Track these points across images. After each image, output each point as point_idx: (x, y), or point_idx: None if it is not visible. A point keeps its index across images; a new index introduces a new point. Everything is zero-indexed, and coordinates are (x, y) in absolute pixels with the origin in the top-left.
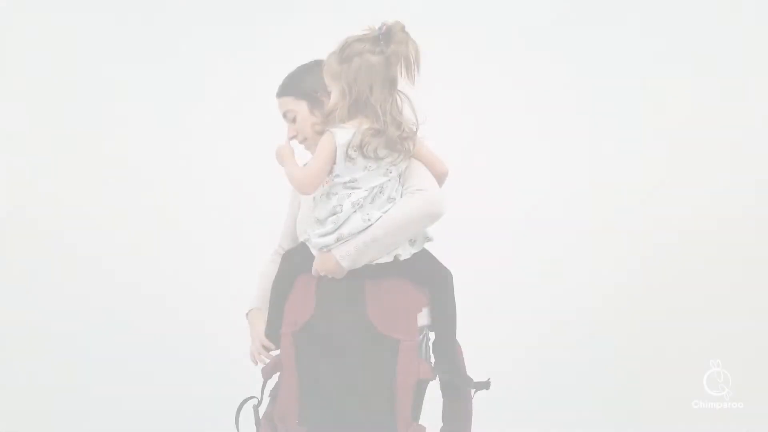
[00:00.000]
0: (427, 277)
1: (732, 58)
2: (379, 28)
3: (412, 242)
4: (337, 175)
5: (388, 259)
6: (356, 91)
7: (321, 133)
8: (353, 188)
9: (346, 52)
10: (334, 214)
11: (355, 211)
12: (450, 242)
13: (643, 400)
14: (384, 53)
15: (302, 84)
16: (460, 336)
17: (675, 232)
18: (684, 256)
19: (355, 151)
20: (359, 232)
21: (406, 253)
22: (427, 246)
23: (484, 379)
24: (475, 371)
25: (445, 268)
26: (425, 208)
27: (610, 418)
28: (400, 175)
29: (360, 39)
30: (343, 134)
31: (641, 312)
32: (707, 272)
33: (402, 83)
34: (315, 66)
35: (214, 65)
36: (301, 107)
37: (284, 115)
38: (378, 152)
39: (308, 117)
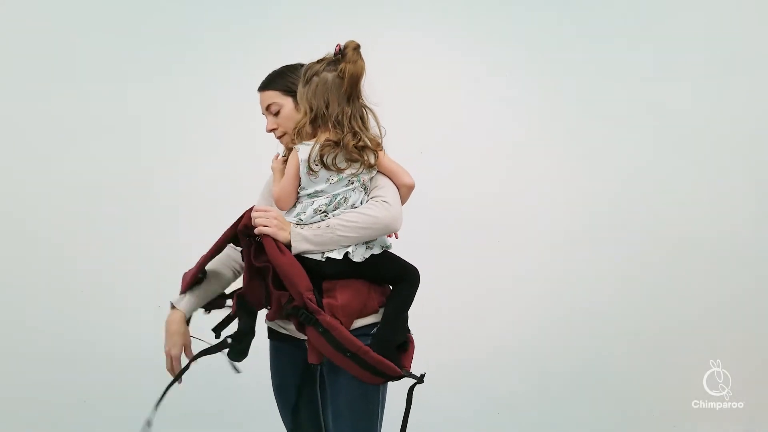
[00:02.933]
0: (389, 279)
1: (732, 58)
2: (336, 48)
3: (368, 246)
4: (303, 188)
5: (338, 256)
6: (315, 106)
7: (290, 149)
8: (316, 197)
9: (306, 74)
10: (298, 218)
11: (316, 215)
12: (450, 242)
13: (643, 400)
14: (336, 70)
15: (289, 81)
16: (461, 335)
17: (676, 233)
18: (684, 257)
19: (316, 164)
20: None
21: (358, 254)
22: (428, 245)
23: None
24: (475, 368)
25: (411, 269)
26: (384, 219)
27: (611, 418)
28: (365, 187)
29: (319, 61)
30: (305, 150)
31: (642, 312)
32: (707, 273)
33: (371, 97)
34: (299, 68)
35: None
36: (287, 102)
37: (267, 108)
38: (337, 163)
39: (292, 113)
